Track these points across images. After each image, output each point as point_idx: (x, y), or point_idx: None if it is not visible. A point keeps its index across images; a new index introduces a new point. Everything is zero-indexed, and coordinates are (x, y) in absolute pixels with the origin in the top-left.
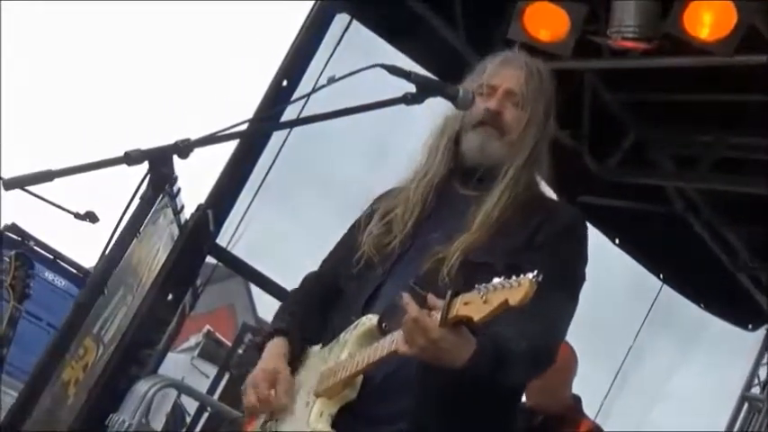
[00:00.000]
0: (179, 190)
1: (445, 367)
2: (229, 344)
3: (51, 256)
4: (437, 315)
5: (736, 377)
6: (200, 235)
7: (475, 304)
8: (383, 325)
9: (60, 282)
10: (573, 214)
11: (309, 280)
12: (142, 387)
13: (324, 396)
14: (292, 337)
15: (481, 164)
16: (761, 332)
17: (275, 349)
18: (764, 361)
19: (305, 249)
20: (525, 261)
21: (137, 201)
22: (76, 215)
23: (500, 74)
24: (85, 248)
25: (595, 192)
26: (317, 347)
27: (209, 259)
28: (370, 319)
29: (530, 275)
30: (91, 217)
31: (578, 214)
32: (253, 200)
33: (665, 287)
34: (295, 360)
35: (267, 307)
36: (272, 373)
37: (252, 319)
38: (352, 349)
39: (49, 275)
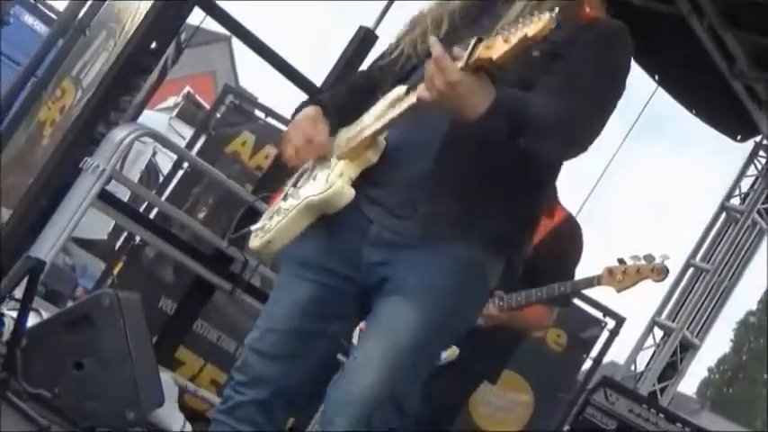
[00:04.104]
0: None
1: (464, 119)
2: (209, 107)
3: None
4: (460, 63)
5: (720, 188)
6: None
7: (496, 46)
8: (409, 93)
9: (40, 27)
10: (617, 23)
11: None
12: (119, 133)
13: (346, 158)
14: (326, 109)
15: None
16: (748, 145)
17: (307, 111)
18: (748, 173)
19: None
20: (564, 51)
21: None
22: None
23: None
24: None
25: None
26: (343, 130)
27: (193, 20)
28: (399, 89)
29: (549, 12)
30: None
31: (622, 25)
32: None
33: (656, 97)
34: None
35: (250, 76)
36: (311, 119)
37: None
38: (378, 114)
39: (29, 19)
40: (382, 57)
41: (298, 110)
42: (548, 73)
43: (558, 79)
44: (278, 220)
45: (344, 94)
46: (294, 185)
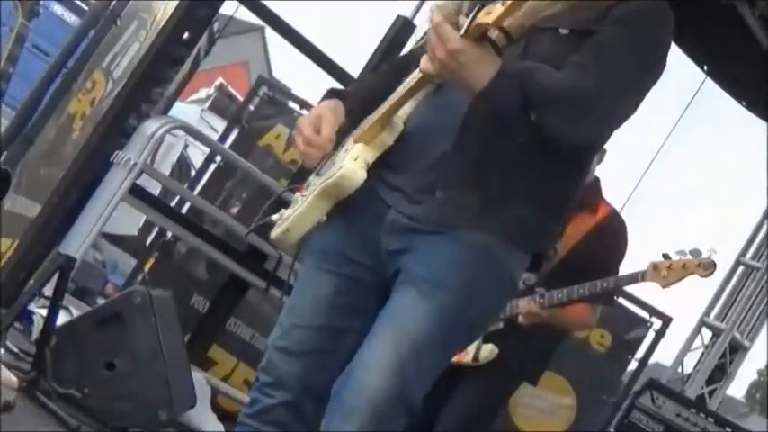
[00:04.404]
0: None
1: (470, 90)
2: (241, 99)
3: None
4: (461, 31)
5: None
6: None
7: (495, 10)
8: None
9: (70, 17)
10: (657, 1)
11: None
12: (151, 126)
13: (361, 141)
14: (348, 100)
15: None
16: None
17: (325, 103)
18: None
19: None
20: (596, 29)
21: None
22: None
23: None
24: None
25: None
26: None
27: (225, 11)
28: (419, 72)
29: None
30: None
31: (663, 3)
32: None
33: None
34: (349, 116)
35: (284, 67)
36: (316, 117)
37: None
38: (396, 96)
39: (58, 9)
40: (418, 41)
41: (322, 100)
42: (577, 52)
43: (583, 54)
44: (296, 209)
45: (374, 81)
46: (316, 173)
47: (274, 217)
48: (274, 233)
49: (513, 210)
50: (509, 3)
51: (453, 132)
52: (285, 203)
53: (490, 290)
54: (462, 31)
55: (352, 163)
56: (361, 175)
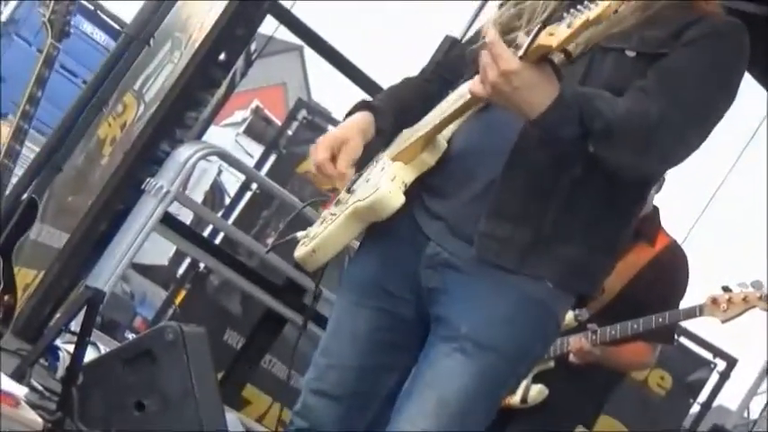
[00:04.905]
0: None
1: (524, 117)
2: (279, 123)
3: (92, 7)
4: (520, 51)
5: None
6: None
7: (559, 32)
8: None
9: (100, 36)
10: (733, 21)
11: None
12: (184, 152)
13: (400, 159)
14: (380, 114)
15: None
16: None
17: (353, 119)
18: None
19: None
20: (666, 52)
21: None
22: None
23: None
24: (131, 2)
25: None
26: (406, 130)
27: (264, 30)
28: (465, 87)
29: None
30: None
31: (740, 23)
32: None
33: None
34: (381, 135)
35: (323, 89)
36: (337, 140)
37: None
38: (440, 111)
39: (88, 27)
40: (469, 42)
41: (350, 113)
42: (642, 76)
43: (651, 79)
44: (324, 227)
45: (413, 90)
46: (348, 189)
47: (299, 234)
48: (299, 252)
49: (566, 249)
50: (577, 26)
51: (502, 159)
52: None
53: (537, 343)
54: (521, 52)
55: (389, 184)
56: (398, 200)
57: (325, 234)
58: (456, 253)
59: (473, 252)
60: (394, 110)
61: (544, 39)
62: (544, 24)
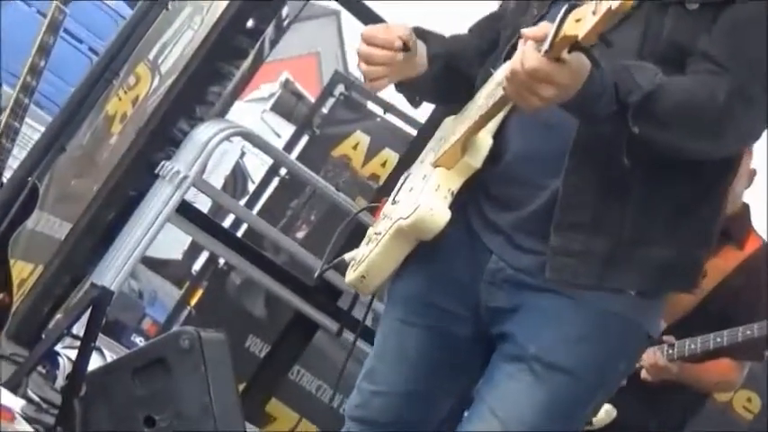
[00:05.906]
0: None
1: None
2: (312, 98)
3: None
4: (545, 45)
5: None
6: None
7: (586, 20)
8: None
9: None
10: None
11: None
12: (205, 132)
13: (442, 165)
14: (432, 41)
15: None
16: None
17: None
18: None
19: None
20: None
21: None
22: None
23: None
24: None
25: None
26: (449, 119)
27: None
28: (504, 69)
29: None
30: None
31: None
32: None
33: None
34: (434, 62)
35: None
36: (380, 29)
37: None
38: (473, 107)
39: None
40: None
41: None
42: (708, 32)
43: (717, 41)
44: (371, 249)
45: (461, 38)
46: (393, 199)
47: (347, 257)
48: (349, 277)
49: (651, 251)
50: (604, 13)
51: (563, 162)
52: (363, 228)
53: (620, 362)
54: (546, 46)
55: (431, 198)
56: (442, 218)
57: (372, 257)
58: (523, 269)
59: (546, 271)
60: (444, 45)
61: (570, 27)
62: (571, 6)
